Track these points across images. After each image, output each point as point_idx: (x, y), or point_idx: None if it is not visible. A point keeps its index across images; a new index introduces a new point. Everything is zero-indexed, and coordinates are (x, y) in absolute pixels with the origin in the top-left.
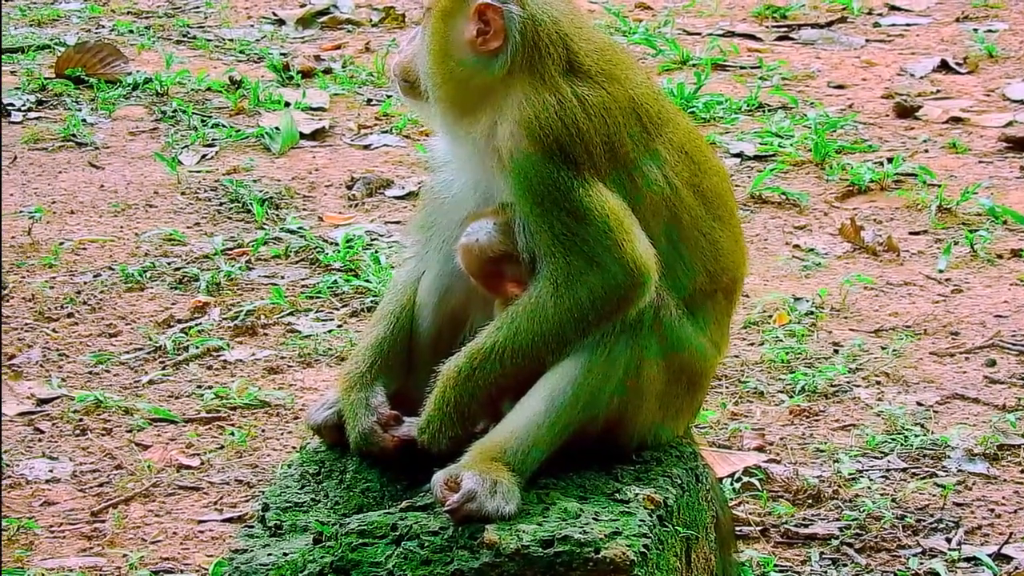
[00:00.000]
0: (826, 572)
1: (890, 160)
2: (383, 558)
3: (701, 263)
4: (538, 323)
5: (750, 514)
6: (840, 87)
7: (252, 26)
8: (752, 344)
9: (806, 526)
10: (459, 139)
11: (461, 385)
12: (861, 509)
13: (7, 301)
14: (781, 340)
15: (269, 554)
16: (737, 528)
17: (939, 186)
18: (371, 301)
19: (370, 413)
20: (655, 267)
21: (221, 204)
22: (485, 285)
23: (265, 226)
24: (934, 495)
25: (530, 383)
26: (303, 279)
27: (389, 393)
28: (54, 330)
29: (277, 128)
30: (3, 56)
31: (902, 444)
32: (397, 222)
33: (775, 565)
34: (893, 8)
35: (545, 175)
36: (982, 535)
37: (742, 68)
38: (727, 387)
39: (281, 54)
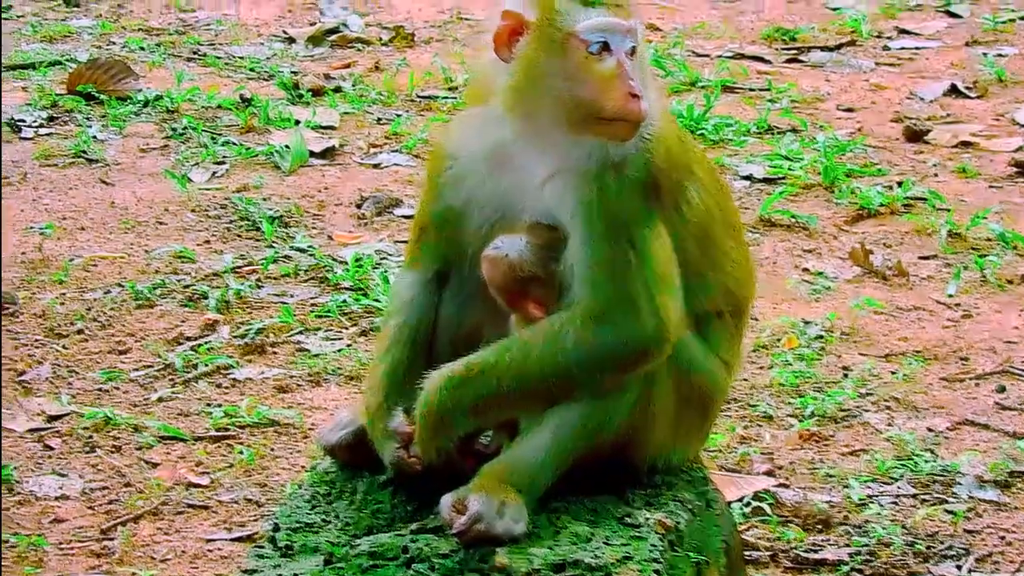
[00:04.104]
0: None
1: (900, 184)
2: None
3: (720, 281)
4: (553, 354)
5: (759, 539)
6: (849, 110)
7: (262, 44)
8: (761, 368)
9: (816, 551)
10: (531, 143)
11: (449, 391)
12: (871, 535)
13: (16, 317)
14: (790, 364)
15: (279, 575)
16: (747, 553)
17: (949, 211)
18: (380, 321)
19: (393, 440)
20: (680, 330)
21: (231, 222)
22: (506, 300)
23: (275, 244)
24: (944, 522)
25: (517, 413)
26: (312, 298)
27: (411, 407)
28: (64, 346)
29: (287, 146)
30: (15, 72)
31: (912, 470)
32: (406, 241)
33: None
34: (903, 32)
35: (635, 205)
36: (992, 562)
37: (751, 90)
38: (736, 411)
39: (291, 72)
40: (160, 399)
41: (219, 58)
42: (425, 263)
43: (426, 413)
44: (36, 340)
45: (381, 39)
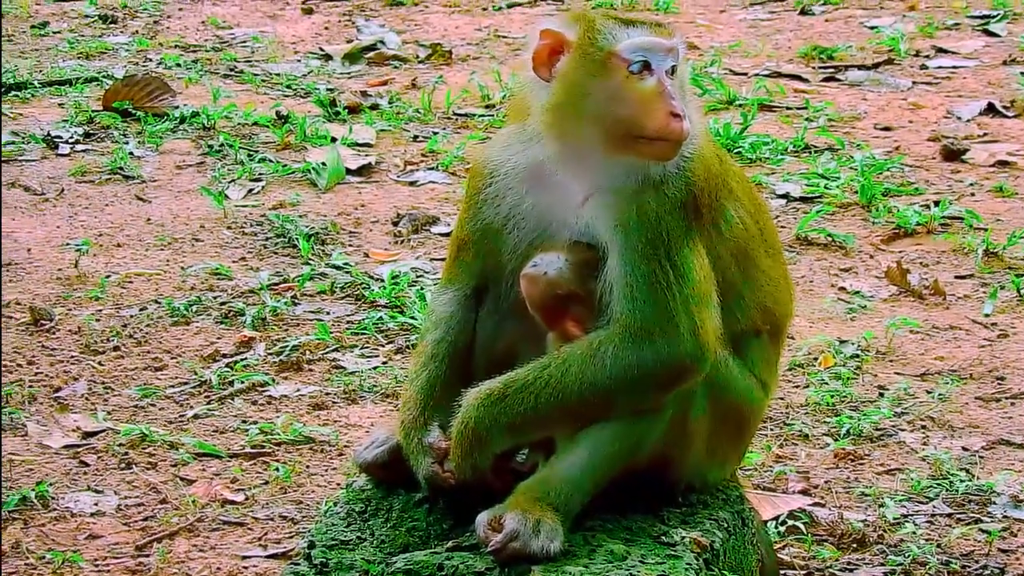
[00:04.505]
0: None
1: (936, 203)
2: None
3: (758, 299)
4: (592, 372)
5: (795, 558)
6: (887, 129)
7: (299, 61)
8: (797, 386)
9: (851, 570)
10: (570, 162)
11: (486, 408)
12: (906, 554)
13: (53, 334)
14: (826, 383)
15: None
16: (782, 572)
17: (986, 230)
18: (416, 338)
19: (428, 455)
20: (717, 349)
21: (267, 239)
22: (544, 318)
23: (311, 261)
24: (979, 541)
25: (555, 431)
26: (348, 315)
27: (446, 423)
28: (100, 363)
29: (323, 163)
30: (52, 88)
31: (947, 489)
32: (442, 259)
33: None
34: (940, 51)
35: (676, 222)
36: None
37: (788, 109)
38: (772, 429)
39: (328, 89)
40: (196, 416)
41: (256, 75)
42: (462, 280)
43: (464, 429)
44: (72, 356)
45: (418, 56)
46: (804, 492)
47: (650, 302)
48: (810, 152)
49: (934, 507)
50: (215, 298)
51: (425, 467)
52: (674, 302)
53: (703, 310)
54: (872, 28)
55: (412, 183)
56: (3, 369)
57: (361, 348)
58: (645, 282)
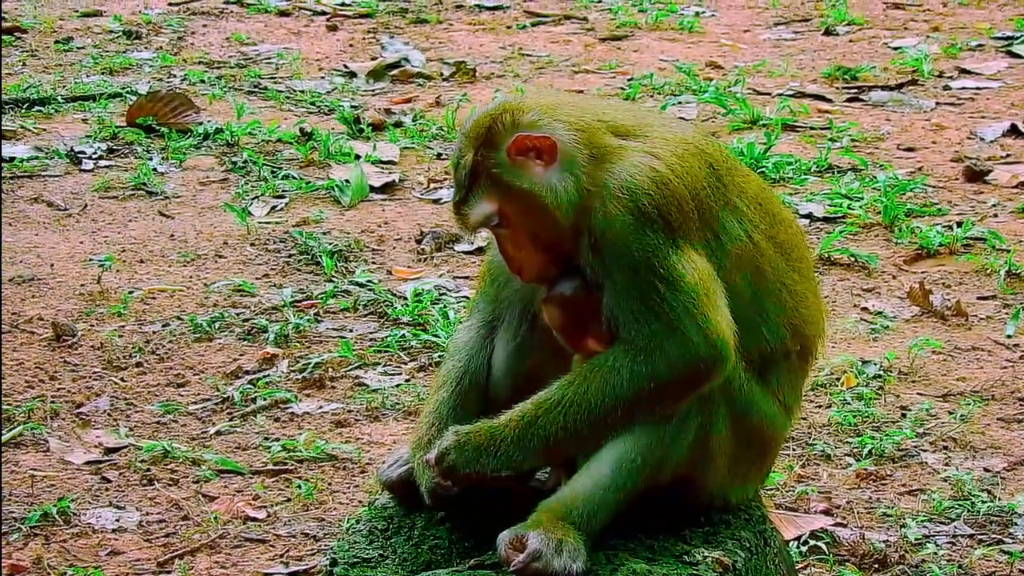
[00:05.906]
0: None
1: (959, 224)
2: None
3: (785, 318)
4: (610, 386)
5: None
6: (910, 150)
7: (323, 78)
8: (819, 406)
9: None
10: None
11: (520, 429)
12: (928, 575)
13: (75, 349)
14: (848, 403)
15: None
16: None
17: (1008, 251)
18: (439, 356)
19: (430, 471)
20: (734, 345)
21: (290, 256)
22: (566, 339)
23: (334, 279)
24: (1001, 562)
25: (583, 449)
26: (371, 332)
27: None
28: (122, 379)
29: (347, 181)
30: (76, 104)
31: (969, 510)
32: (466, 277)
33: None
34: (963, 71)
35: (644, 242)
36: None
37: (812, 129)
38: (794, 449)
39: (352, 106)
40: (218, 432)
41: (280, 92)
42: (481, 311)
43: (494, 442)
44: (94, 372)
45: (442, 74)
46: (826, 512)
47: (651, 318)
48: (833, 172)
49: (956, 528)
50: (238, 315)
51: (427, 480)
52: (673, 312)
53: (708, 310)
54: (896, 49)
55: (435, 201)
56: (26, 385)
57: (384, 365)
58: (640, 301)
